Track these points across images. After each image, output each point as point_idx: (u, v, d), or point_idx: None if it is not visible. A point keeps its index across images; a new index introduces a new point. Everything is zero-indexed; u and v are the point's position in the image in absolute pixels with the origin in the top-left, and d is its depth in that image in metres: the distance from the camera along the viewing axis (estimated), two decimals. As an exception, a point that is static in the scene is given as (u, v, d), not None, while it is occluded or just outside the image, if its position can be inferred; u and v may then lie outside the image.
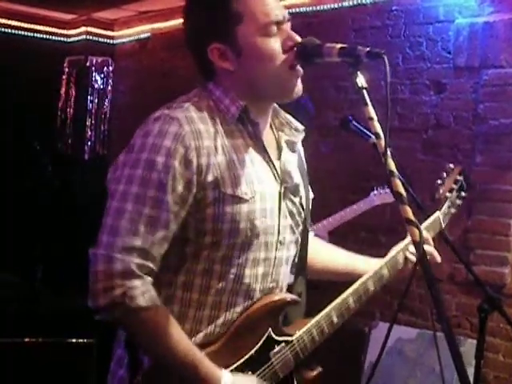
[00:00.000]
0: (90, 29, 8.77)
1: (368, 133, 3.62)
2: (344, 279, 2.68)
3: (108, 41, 8.89)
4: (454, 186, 2.98)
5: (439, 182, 2.97)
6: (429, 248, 2.68)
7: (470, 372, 3.39)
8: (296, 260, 2.46)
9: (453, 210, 2.97)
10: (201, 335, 2.20)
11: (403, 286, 2.49)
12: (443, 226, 2.90)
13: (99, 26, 8.81)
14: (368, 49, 1.99)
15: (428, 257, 2.61)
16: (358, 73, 1.98)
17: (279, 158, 2.36)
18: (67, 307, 6.19)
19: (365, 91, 1.95)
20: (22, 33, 8.63)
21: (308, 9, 6.31)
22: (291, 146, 2.45)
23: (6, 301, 6.05)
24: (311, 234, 2.63)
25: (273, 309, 2.31)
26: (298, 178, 2.43)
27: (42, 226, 8.02)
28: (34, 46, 8.57)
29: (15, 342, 5.28)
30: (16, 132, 8.23)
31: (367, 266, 2.65)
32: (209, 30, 2.22)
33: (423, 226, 2.79)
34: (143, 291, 2.02)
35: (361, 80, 1.97)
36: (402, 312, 5.23)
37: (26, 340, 5.33)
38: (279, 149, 2.39)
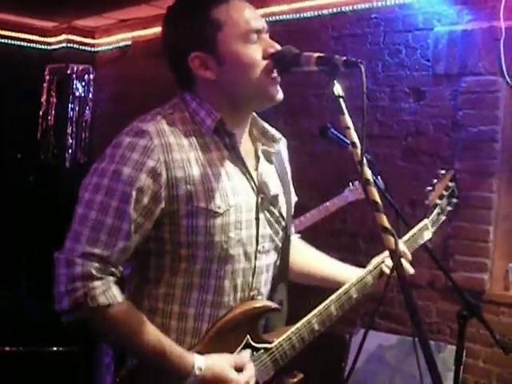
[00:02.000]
0: (70, 36, 8.74)
1: (346, 140, 3.65)
2: (321, 285, 2.70)
3: (89, 48, 8.86)
4: (445, 193, 2.96)
5: (429, 188, 2.96)
6: (404, 262, 2.64)
7: (450, 378, 3.41)
8: (277, 267, 2.46)
9: (443, 217, 2.95)
10: (185, 346, 2.21)
11: (383, 292, 2.51)
12: (431, 232, 2.89)
13: (80, 34, 8.78)
14: (345, 58, 2.00)
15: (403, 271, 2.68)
16: (335, 82, 1.99)
17: (257, 169, 2.37)
18: (51, 315, 6.17)
19: (341, 100, 1.96)
20: (2, 40, 8.60)
21: (288, 16, 6.33)
22: (267, 155, 2.45)
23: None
24: (295, 237, 2.64)
25: (251, 316, 2.32)
26: (276, 188, 2.43)
27: (24, 234, 7.99)
28: (14, 53, 8.54)
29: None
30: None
31: (347, 275, 2.65)
32: (189, 38, 2.22)
33: (409, 234, 2.80)
34: (104, 290, 2.05)
35: (337, 89, 1.98)
36: (383, 318, 5.24)
37: (10, 349, 5.31)
38: (257, 159, 2.40)
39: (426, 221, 2.88)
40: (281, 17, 6.36)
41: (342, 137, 3.60)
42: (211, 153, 2.23)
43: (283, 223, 2.44)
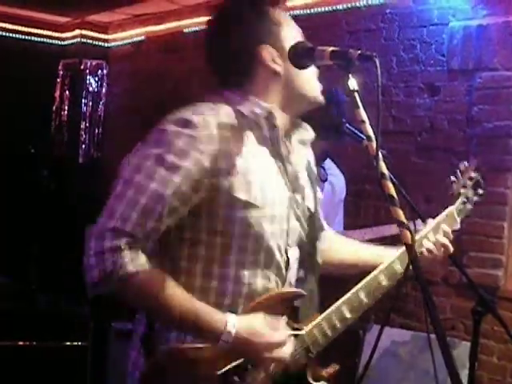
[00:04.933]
0: (84, 32, 8.77)
1: (361, 135, 3.63)
2: (363, 270, 2.71)
3: (102, 44, 8.89)
4: (469, 183, 2.96)
5: (453, 178, 2.96)
6: (444, 240, 2.74)
7: (465, 374, 3.40)
8: (306, 258, 2.47)
9: (469, 206, 2.94)
10: None
11: (397, 289, 2.50)
12: (458, 221, 2.89)
13: (94, 29, 8.81)
14: (359, 51, 2.00)
15: (442, 250, 2.72)
16: (350, 75, 1.99)
17: (290, 162, 2.41)
18: (62, 309, 6.20)
19: (356, 94, 1.96)
20: (16, 36, 8.64)
21: (302, 12, 6.32)
22: (303, 144, 2.53)
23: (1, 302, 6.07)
24: (330, 232, 2.68)
25: (282, 300, 2.34)
26: (305, 181, 2.49)
27: (37, 229, 8.02)
28: (28, 48, 8.58)
29: (9, 345, 5.28)
30: (10, 135, 8.22)
31: (387, 255, 2.66)
32: (258, 33, 2.32)
33: (438, 219, 2.80)
34: (132, 258, 2.09)
35: (352, 83, 1.97)
36: (397, 314, 5.23)
37: (21, 343, 5.32)
38: (288, 152, 2.43)
39: (451, 208, 2.88)
40: (295, 12, 6.35)
41: (356, 131, 3.59)
42: (254, 145, 2.29)
43: (308, 215, 2.47)
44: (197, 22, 7.46)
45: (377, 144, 1.86)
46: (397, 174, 2.68)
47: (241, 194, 2.20)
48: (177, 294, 2.16)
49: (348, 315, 2.45)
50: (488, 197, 4.90)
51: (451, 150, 5.22)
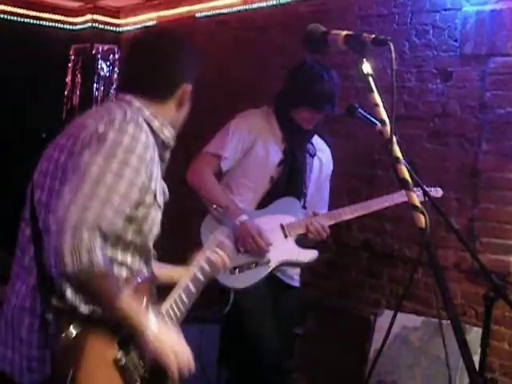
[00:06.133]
0: (96, 16, 8.77)
1: (374, 120, 3.62)
2: None
3: (114, 28, 8.89)
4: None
5: None
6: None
7: (475, 360, 3.40)
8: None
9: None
10: None
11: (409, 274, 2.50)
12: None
13: (105, 14, 8.81)
14: (373, 36, 1.99)
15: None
16: (364, 60, 1.98)
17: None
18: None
19: (370, 78, 1.95)
20: (28, 20, 8.63)
21: (315, -4, 6.30)
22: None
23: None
24: None
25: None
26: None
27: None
28: (40, 33, 8.57)
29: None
30: (22, 120, 8.23)
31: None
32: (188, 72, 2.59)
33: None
34: (103, 256, 2.18)
35: (366, 67, 1.97)
36: (408, 300, 5.22)
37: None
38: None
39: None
40: (307, -4, 6.34)
41: (369, 116, 3.58)
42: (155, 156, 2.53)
43: None
44: (209, 7, 7.46)
45: (391, 127, 1.86)
46: (409, 159, 2.69)
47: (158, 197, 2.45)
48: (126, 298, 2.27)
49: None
50: (500, 183, 4.94)
51: (463, 135, 5.20)
